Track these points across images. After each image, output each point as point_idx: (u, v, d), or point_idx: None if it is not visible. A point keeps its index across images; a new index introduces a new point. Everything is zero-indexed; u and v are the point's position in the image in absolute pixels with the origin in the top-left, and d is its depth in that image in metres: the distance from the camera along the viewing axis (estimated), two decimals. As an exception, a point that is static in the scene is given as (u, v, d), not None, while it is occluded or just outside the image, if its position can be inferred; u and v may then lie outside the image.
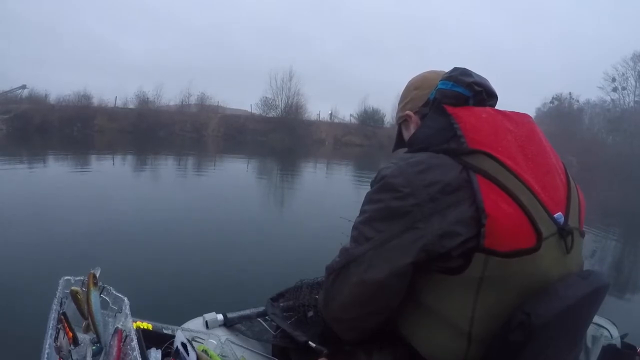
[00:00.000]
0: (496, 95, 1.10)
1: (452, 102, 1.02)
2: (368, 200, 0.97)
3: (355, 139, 39.29)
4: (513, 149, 0.95)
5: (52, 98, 34.39)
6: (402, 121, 1.24)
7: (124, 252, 4.99)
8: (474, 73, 1.07)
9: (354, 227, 0.98)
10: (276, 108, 40.99)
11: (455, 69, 1.07)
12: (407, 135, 1.23)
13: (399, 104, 1.26)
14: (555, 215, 0.93)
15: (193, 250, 5.36)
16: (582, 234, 1.04)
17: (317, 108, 47.04)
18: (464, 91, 1.02)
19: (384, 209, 0.92)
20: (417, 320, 0.99)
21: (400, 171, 0.92)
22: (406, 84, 1.25)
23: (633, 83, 40.93)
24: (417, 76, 1.24)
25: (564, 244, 0.94)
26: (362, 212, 0.98)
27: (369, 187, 1.00)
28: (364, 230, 0.95)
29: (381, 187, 0.94)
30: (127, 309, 1.20)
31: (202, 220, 7.11)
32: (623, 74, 40.84)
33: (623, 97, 41.63)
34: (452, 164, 0.91)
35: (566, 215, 0.97)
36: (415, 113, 1.17)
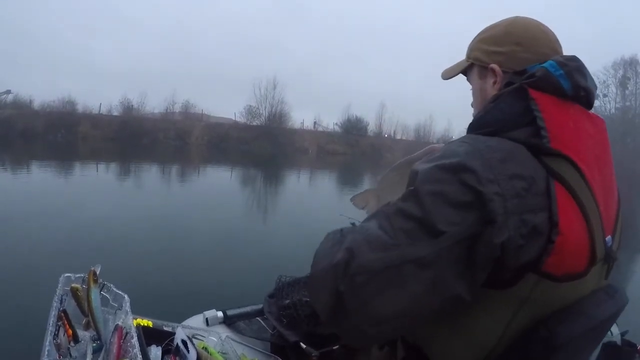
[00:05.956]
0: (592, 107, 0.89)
1: (544, 89, 0.81)
2: (427, 177, 0.72)
3: (339, 148, 39.50)
4: (592, 158, 0.80)
5: (37, 104, 33.97)
6: (479, 66, 0.96)
7: (125, 250, 5.00)
8: (590, 76, 0.86)
9: (398, 211, 0.72)
10: (260, 116, 41.06)
11: (575, 59, 0.84)
12: (475, 85, 0.99)
13: (481, 40, 0.97)
14: (606, 239, 0.81)
15: (193, 247, 5.39)
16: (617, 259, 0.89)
17: (301, 116, 47.19)
18: (569, 89, 0.80)
19: (457, 192, 0.69)
20: (437, 329, 0.84)
21: (479, 154, 0.72)
22: (501, 23, 0.95)
23: (614, 90, 41.42)
24: (520, 24, 0.92)
25: (605, 271, 0.85)
26: (413, 193, 0.72)
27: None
28: (433, 218, 0.68)
29: (453, 166, 0.71)
30: (127, 306, 1.21)
31: (202, 219, 7.16)
32: (604, 82, 41.30)
33: (604, 104, 41.56)
34: (535, 163, 0.74)
35: (613, 239, 0.85)
36: (504, 73, 0.90)
